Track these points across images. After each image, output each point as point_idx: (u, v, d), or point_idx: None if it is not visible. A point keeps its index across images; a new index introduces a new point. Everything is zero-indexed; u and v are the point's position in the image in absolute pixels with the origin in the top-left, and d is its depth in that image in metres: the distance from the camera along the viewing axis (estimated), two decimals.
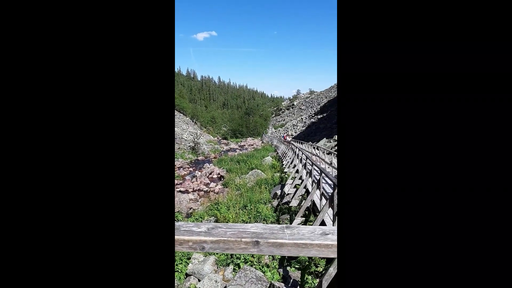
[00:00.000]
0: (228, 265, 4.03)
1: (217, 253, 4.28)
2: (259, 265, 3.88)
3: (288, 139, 21.11)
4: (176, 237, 0.79)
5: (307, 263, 3.68)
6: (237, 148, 26.58)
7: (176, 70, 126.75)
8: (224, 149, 25.87)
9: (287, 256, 3.83)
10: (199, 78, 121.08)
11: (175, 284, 3.76)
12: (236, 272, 3.75)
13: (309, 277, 3.41)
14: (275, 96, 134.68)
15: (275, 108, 72.94)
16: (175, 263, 4.07)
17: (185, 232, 0.81)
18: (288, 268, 3.75)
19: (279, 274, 3.67)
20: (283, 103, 78.12)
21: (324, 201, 4.46)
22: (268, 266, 3.84)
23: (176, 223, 0.85)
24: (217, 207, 6.90)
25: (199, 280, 3.78)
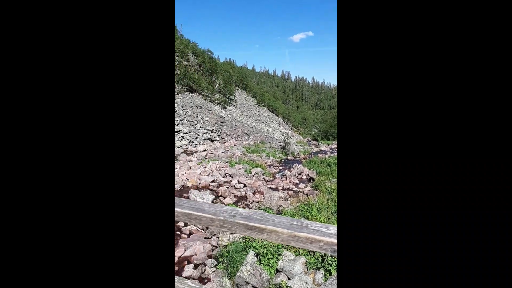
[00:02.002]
0: (319, 269, 3.93)
1: (308, 255, 4.22)
2: None
3: None
4: (306, 234, 0.79)
5: None
6: (327, 150, 25.68)
7: (271, 72, 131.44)
8: (314, 151, 25.39)
9: None
10: (293, 79, 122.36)
11: (265, 278, 3.90)
12: (327, 278, 3.62)
13: None
14: None
15: None
16: (266, 257, 4.22)
17: (315, 232, 0.80)
18: None
19: None
20: None
21: None
22: None
23: (304, 221, 0.85)
24: (307, 209, 6.83)
25: (289, 279, 3.82)
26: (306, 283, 3.53)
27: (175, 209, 1.16)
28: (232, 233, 5.32)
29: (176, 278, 1.24)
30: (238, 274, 3.86)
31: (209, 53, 44.10)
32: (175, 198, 1.34)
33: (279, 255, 4.37)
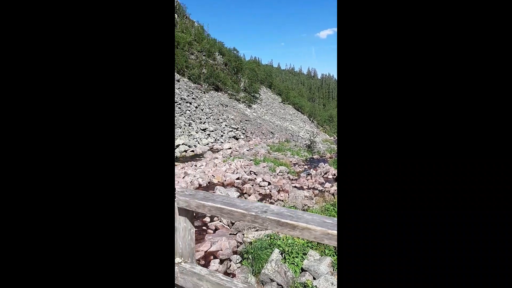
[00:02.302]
0: None
1: (334, 255, 4.15)
2: None
3: None
4: None
5: None
6: None
7: (297, 69, 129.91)
8: None
9: None
10: (319, 77, 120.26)
11: (290, 276, 3.89)
12: None
13: None
14: None
15: None
16: (292, 255, 4.20)
17: None
18: None
19: None
20: None
21: None
22: None
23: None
24: (333, 209, 6.70)
25: (314, 278, 3.78)
26: (332, 284, 3.47)
27: (208, 203, 1.19)
28: (263, 229, 5.35)
29: (208, 270, 1.27)
30: (263, 271, 3.88)
31: (235, 51, 44.51)
32: (207, 192, 1.37)
33: (305, 254, 4.33)
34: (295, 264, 4.10)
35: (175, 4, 40.96)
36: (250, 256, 4.38)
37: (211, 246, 5.00)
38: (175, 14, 40.18)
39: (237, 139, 19.85)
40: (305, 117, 43.09)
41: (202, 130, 18.48)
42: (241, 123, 23.18)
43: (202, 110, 21.86)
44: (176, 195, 1.30)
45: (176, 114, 18.48)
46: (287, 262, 4.11)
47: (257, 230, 5.41)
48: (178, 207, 1.30)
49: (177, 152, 13.84)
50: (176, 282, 1.31)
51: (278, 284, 3.73)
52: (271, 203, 7.95)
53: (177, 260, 1.32)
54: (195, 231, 1.60)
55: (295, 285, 3.69)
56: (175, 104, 19.89)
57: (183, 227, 1.32)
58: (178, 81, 24.73)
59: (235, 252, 4.85)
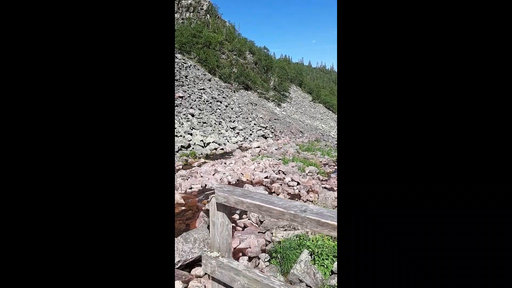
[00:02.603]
0: None
1: None
2: None
3: None
4: None
5: None
6: None
7: (328, 67, 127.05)
8: None
9: None
10: None
11: (320, 278, 3.83)
12: None
13: None
14: None
15: None
16: (321, 257, 4.13)
17: None
18: None
19: None
20: None
21: None
22: None
23: None
24: None
25: None
26: None
27: (246, 200, 1.21)
28: (298, 229, 5.33)
29: (245, 266, 1.29)
30: (291, 271, 3.85)
31: (265, 50, 44.56)
32: (244, 189, 1.39)
33: (335, 256, 4.24)
34: (325, 266, 4.03)
35: (207, 4, 41.86)
36: (278, 255, 4.38)
37: (240, 243, 5.07)
38: (208, 15, 41.10)
39: (265, 138, 19.89)
40: (336, 116, 41.99)
41: (231, 128, 18.77)
42: (270, 122, 23.18)
43: (232, 109, 22.19)
44: (215, 190, 1.33)
45: (207, 113, 18.95)
46: (316, 264, 4.05)
47: (285, 230, 5.38)
48: (216, 203, 1.33)
49: (207, 150, 14.19)
50: (213, 275, 1.34)
51: (307, 285, 3.69)
52: None
53: (214, 254, 1.35)
54: None
55: (325, 287, 3.62)
56: (206, 103, 20.39)
57: (221, 222, 1.35)
58: (210, 80, 25.31)
59: (263, 251, 4.87)
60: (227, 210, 1.37)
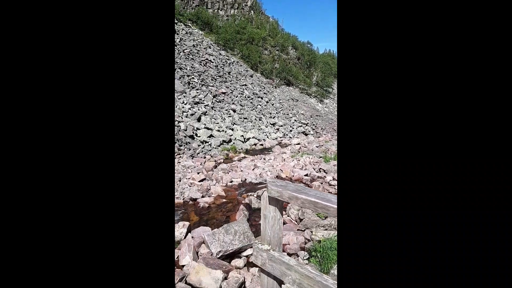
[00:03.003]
0: None
1: None
2: None
3: None
4: None
5: None
6: None
7: None
8: None
9: None
10: None
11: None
12: None
13: None
14: None
15: None
16: None
17: None
18: None
19: None
20: None
21: None
22: None
23: None
24: None
25: None
26: None
27: (301, 195, 1.19)
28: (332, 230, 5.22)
29: (296, 261, 1.29)
30: (332, 271, 3.76)
31: (309, 45, 43.67)
32: (297, 185, 1.38)
33: None
34: None
35: (252, 1, 42.13)
36: (318, 255, 4.30)
37: None
38: (252, 11, 41.40)
39: (306, 134, 19.58)
40: None
41: (271, 124, 18.80)
42: (312, 118, 22.74)
43: (272, 104, 22.19)
44: (267, 184, 1.34)
45: (248, 109, 19.21)
46: None
47: (326, 229, 5.26)
48: (269, 196, 1.34)
49: (247, 145, 14.40)
50: (263, 267, 1.36)
51: None
52: None
53: (265, 247, 1.37)
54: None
55: None
56: (248, 99, 20.66)
57: (272, 216, 1.36)
58: (252, 76, 25.57)
59: (302, 248, 4.82)
60: (279, 204, 1.37)
